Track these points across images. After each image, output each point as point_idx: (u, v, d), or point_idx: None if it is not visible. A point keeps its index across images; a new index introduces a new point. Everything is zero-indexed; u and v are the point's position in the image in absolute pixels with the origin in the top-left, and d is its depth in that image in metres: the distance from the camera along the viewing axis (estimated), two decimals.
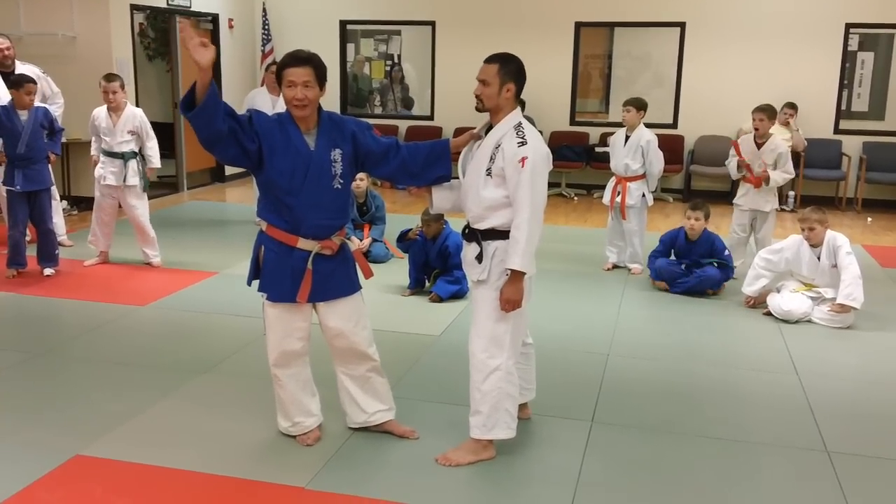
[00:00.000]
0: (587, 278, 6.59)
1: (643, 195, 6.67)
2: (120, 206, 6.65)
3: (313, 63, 3.27)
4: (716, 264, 6.08)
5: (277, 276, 3.38)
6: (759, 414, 4.11)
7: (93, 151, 6.66)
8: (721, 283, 6.12)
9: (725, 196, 6.63)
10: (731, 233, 6.66)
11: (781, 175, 6.40)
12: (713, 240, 6.16)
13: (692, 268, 6.12)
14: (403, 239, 6.06)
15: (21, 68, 7.14)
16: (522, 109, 3.41)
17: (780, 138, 9.46)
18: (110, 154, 6.47)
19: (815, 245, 5.58)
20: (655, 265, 6.27)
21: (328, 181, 3.34)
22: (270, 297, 3.42)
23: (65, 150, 8.01)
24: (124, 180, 6.49)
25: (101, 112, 6.46)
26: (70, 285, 6.11)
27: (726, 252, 6.16)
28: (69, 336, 5.04)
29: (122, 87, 6.39)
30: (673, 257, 6.33)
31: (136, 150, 6.53)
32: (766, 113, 6.35)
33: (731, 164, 6.55)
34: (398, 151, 3.47)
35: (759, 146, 6.40)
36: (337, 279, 3.45)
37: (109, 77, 6.38)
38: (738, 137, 7.07)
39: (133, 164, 6.50)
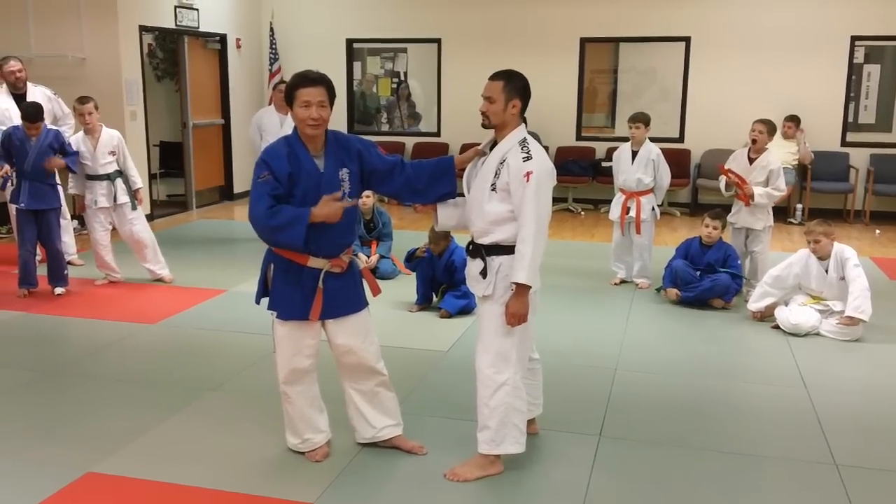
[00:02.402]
0: (594, 293, 6.59)
1: (653, 209, 6.69)
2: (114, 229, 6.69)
3: (325, 83, 3.32)
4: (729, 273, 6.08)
5: (288, 294, 3.40)
6: (768, 428, 4.10)
7: (69, 189, 6.64)
8: (731, 293, 6.10)
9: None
10: None
11: (769, 192, 6.17)
12: (727, 249, 6.17)
13: (706, 274, 6.12)
14: (411, 259, 6.09)
15: (32, 90, 7.22)
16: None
17: (787, 151, 9.58)
18: (95, 177, 6.49)
19: (822, 258, 5.57)
20: (672, 265, 6.26)
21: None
22: (281, 315, 3.44)
23: None
24: (115, 199, 6.54)
25: (77, 138, 6.47)
26: (80, 304, 6.15)
27: (738, 261, 6.18)
28: (79, 354, 5.07)
29: (97, 108, 6.44)
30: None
31: (119, 169, 6.58)
32: (767, 126, 6.23)
33: (721, 181, 6.42)
34: (403, 169, 3.50)
35: (751, 161, 6.26)
36: (346, 296, 3.48)
37: (83, 99, 6.39)
38: (738, 149, 7.00)
39: (120, 183, 6.55)
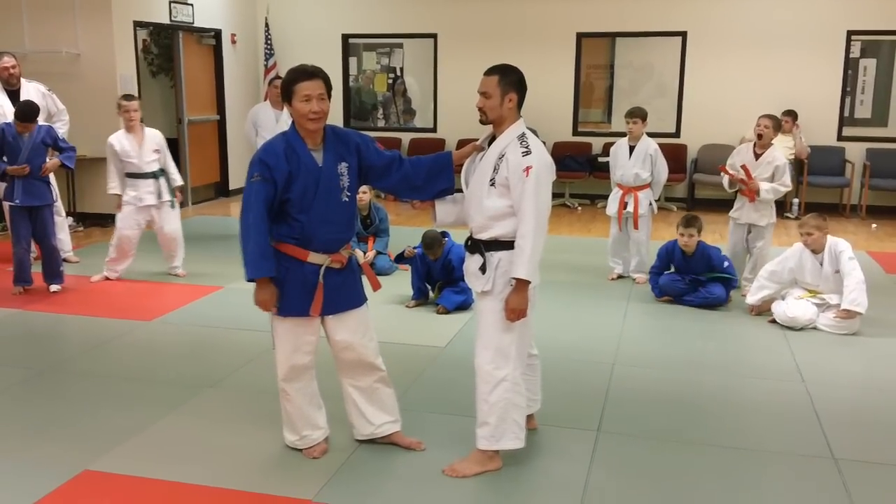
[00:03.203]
0: (592, 288, 6.59)
1: (650, 204, 6.68)
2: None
3: (323, 76, 3.32)
4: (718, 278, 6.03)
5: (288, 290, 3.39)
6: (766, 422, 4.10)
7: (112, 189, 6.55)
8: (727, 299, 6.07)
9: (729, 204, 6.58)
10: (731, 246, 6.51)
11: (775, 188, 6.14)
12: (710, 253, 6.02)
13: (695, 283, 6.05)
14: (402, 259, 6.09)
15: (26, 86, 7.18)
16: None
17: (784, 146, 9.58)
18: (140, 176, 6.52)
19: (816, 251, 5.57)
20: (658, 282, 6.21)
21: (337, 195, 3.36)
22: (281, 311, 3.42)
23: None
24: (159, 197, 6.58)
25: (118, 137, 6.48)
26: (76, 301, 6.13)
27: (726, 263, 6.05)
28: (76, 352, 5.05)
29: (140, 105, 6.53)
30: (672, 271, 6.23)
31: (162, 168, 6.64)
32: (773, 122, 6.17)
33: (725, 178, 6.36)
34: (401, 165, 3.49)
35: (757, 157, 6.19)
36: (346, 292, 3.47)
37: (129, 97, 6.52)
38: (741, 144, 6.98)
39: (163, 181, 6.63)
